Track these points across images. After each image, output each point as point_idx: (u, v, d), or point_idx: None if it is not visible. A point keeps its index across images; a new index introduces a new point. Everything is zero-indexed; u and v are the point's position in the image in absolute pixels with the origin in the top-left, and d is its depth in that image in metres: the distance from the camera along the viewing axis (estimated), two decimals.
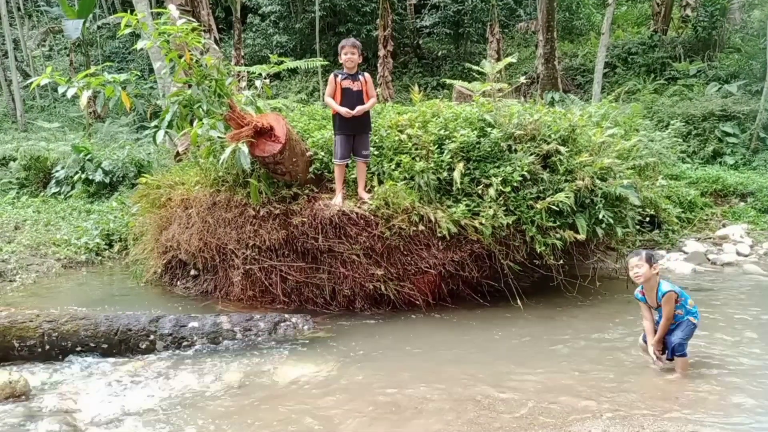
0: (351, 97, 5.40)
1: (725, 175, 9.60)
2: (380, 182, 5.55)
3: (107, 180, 10.85)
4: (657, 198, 6.82)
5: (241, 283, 5.71)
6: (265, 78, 6.90)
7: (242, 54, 15.77)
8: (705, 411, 3.56)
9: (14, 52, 17.38)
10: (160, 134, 5.55)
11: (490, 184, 5.41)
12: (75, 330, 4.67)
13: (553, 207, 5.36)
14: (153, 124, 5.72)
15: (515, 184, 5.40)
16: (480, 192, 5.46)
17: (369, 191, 5.52)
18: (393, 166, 5.62)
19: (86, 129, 14.94)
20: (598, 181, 5.52)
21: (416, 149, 5.66)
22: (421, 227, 5.27)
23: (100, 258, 8.13)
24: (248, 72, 10.32)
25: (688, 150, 10.61)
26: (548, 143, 5.65)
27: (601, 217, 5.48)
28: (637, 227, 6.23)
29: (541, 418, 3.48)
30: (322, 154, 5.77)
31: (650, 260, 4.08)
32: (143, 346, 4.72)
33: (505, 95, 6.98)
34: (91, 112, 15.89)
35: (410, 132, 5.75)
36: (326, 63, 13.00)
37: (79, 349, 4.64)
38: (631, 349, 4.50)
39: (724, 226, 8.57)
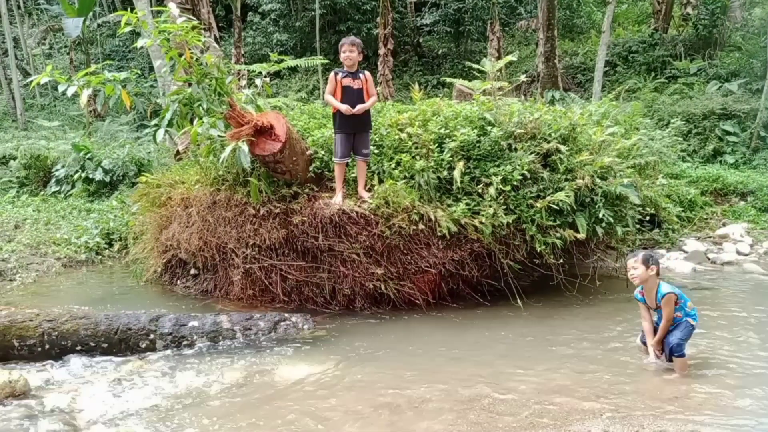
0: (351, 95, 5.39)
1: (725, 174, 9.59)
2: (380, 181, 5.54)
3: (107, 179, 10.85)
4: (657, 197, 6.82)
5: (241, 282, 5.71)
6: (265, 76, 6.89)
7: (242, 52, 15.76)
8: (705, 411, 3.56)
9: (14, 50, 17.36)
10: (160, 133, 5.55)
11: (490, 183, 5.41)
12: (75, 329, 4.67)
13: (553, 206, 5.36)
14: (153, 122, 5.72)
15: (515, 183, 5.40)
16: (480, 191, 5.46)
17: (369, 190, 5.52)
18: (393, 165, 5.61)
19: (86, 128, 14.94)
20: (598, 180, 5.52)
21: (416, 148, 5.66)
22: (421, 226, 5.27)
23: (100, 257, 8.12)
24: (248, 70, 10.32)
25: (689, 149, 10.60)
26: (548, 142, 5.64)
27: (601, 216, 5.47)
28: (637, 226, 6.23)
29: (541, 418, 3.48)
30: (323, 152, 5.77)
31: (647, 262, 4.08)
32: (143, 346, 4.72)
33: (506, 94, 6.98)
34: (91, 111, 15.87)
35: (410, 131, 5.75)
36: (326, 61, 12.98)
37: (79, 348, 4.64)
38: (632, 348, 4.50)
39: (724, 225, 8.56)
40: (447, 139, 5.63)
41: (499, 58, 12.64)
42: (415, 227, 5.26)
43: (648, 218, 6.82)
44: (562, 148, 5.57)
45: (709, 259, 7.53)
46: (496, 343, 4.82)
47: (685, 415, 3.48)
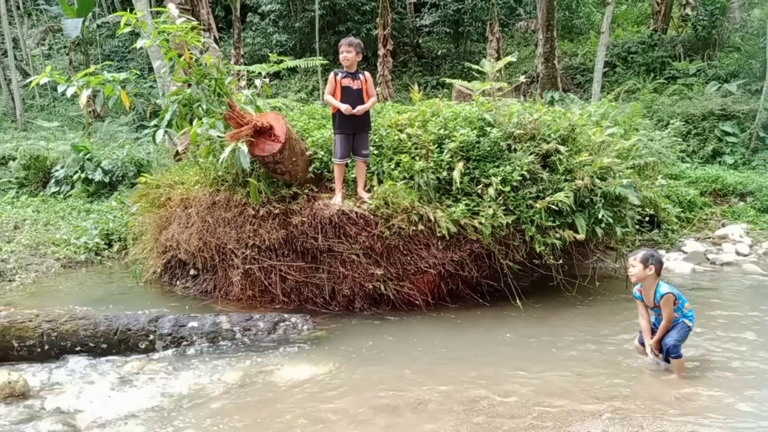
0: (351, 96, 5.39)
1: (725, 175, 9.60)
2: (380, 182, 5.54)
3: (107, 179, 10.84)
4: (656, 197, 6.82)
5: (241, 282, 5.71)
6: (264, 77, 6.89)
7: (242, 53, 15.75)
8: (704, 411, 3.56)
9: (14, 50, 17.35)
10: (160, 133, 5.55)
11: (490, 184, 5.41)
12: (74, 330, 4.67)
13: (553, 206, 5.36)
14: (152, 123, 5.72)
15: (515, 184, 5.40)
16: (479, 191, 5.46)
17: (368, 191, 5.52)
18: (392, 166, 5.61)
19: (86, 128, 14.93)
20: (597, 181, 5.52)
21: (416, 148, 5.66)
22: (420, 227, 5.27)
23: (99, 258, 8.12)
24: (248, 71, 10.31)
25: (688, 149, 10.60)
26: (548, 143, 5.64)
27: (600, 216, 5.48)
28: (637, 227, 6.23)
29: (541, 419, 3.48)
30: (322, 153, 5.77)
31: (645, 261, 4.08)
32: (143, 346, 4.72)
33: (505, 94, 6.98)
34: (90, 111, 15.87)
35: (410, 131, 5.75)
36: (326, 62, 12.98)
37: (78, 348, 4.64)
38: (631, 349, 4.50)
39: (723, 225, 8.57)
40: (446, 140, 5.63)
41: (498, 58, 12.64)
42: (414, 228, 5.26)
43: (647, 219, 6.82)
44: (562, 148, 5.57)
45: (708, 259, 7.54)
46: (495, 344, 4.82)
47: (685, 416, 3.48)
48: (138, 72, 6.76)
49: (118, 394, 3.95)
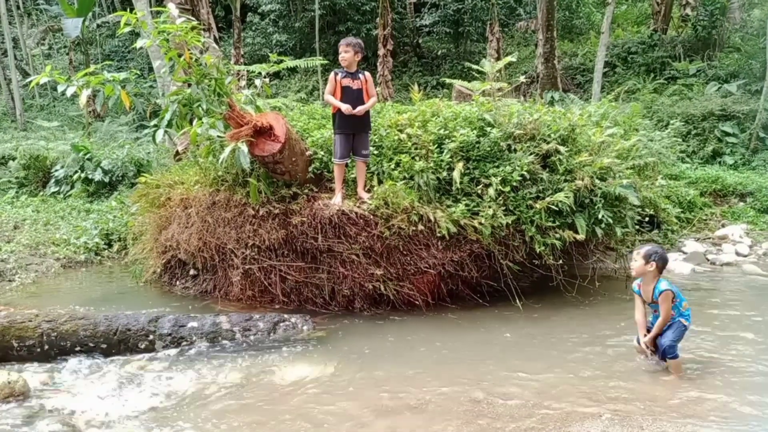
0: (351, 96, 5.39)
1: (724, 175, 9.60)
2: (380, 182, 5.54)
3: (107, 179, 10.84)
4: (656, 198, 6.82)
5: (241, 282, 5.71)
6: (264, 77, 6.89)
7: (242, 53, 15.75)
8: (704, 412, 3.56)
9: (13, 50, 17.34)
10: (160, 133, 5.55)
11: (490, 184, 5.41)
12: (74, 330, 4.67)
13: (553, 207, 5.36)
14: (152, 123, 5.72)
15: (515, 184, 5.40)
16: (479, 192, 5.46)
17: (368, 191, 5.52)
18: (392, 166, 5.61)
19: (86, 128, 14.93)
20: (597, 181, 5.52)
21: (416, 149, 5.66)
22: (420, 227, 5.27)
23: (99, 258, 8.12)
24: (248, 71, 10.31)
25: (688, 150, 10.61)
26: (548, 143, 5.64)
27: (600, 216, 5.48)
28: (637, 227, 6.23)
29: (541, 420, 3.48)
30: (322, 153, 5.76)
31: (648, 257, 4.09)
32: (142, 346, 4.72)
33: (505, 94, 6.97)
34: (90, 111, 15.87)
35: (410, 131, 5.75)
36: (326, 62, 12.99)
37: (78, 349, 4.64)
38: (631, 349, 4.50)
39: (723, 226, 8.57)
40: (446, 140, 5.63)
41: (498, 58, 12.64)
42: (414, 228, 5.26)
43: (647, 219, 6.82)
44: (562, 149, 5.57)
45: (708, 260, 7.54)
46: (495, 345, 4.82)
47: (685, 417, 3.48)
48: (138, 72, 6.76)
49: (117, 395, 3.95)
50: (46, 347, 4.60)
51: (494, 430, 3.38)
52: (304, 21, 17.98)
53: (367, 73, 5.55)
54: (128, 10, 5.53)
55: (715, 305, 5.74)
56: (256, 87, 6.49)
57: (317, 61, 11.93)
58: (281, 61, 7.11)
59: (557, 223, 5.42)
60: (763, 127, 10.63)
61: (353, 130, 5.43)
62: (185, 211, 6.09)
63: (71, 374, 4.32)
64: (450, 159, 5.52)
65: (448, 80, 8.65)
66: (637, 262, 4.13)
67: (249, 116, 5.10)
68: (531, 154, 5.57)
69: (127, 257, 7.56)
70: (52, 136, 14.26)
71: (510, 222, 5.34)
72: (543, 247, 5.36)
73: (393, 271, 5.41)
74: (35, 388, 4.03)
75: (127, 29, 5.35)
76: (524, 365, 4.32)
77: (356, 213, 5.33)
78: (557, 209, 5.37)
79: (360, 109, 5.32)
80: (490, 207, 5.32)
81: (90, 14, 17.42)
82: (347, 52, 5.39)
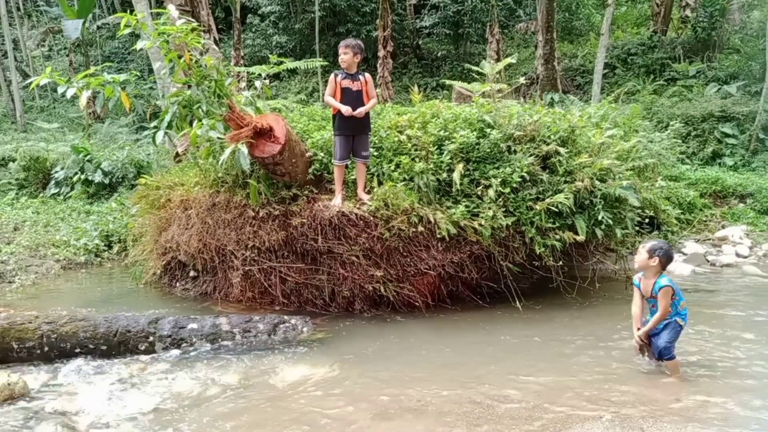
0: (351, 97, 5.39)
1: (724, 177, 9.61)
2: (380, 183, 5.54)
3: (107, 181, 10.85)
4: (656, 199, 6.82)
5: (241, 284, 5.71)
6: (264, 78, 6.89)
7: (242, 54, 15.77)
8: (705, 413, 3.56)
9: (14, 52, 17.37)
10: (160, 135, 5.54)
11: (490, 185, 5.41)
12: (74, 331, 4.66)
13: (553, 208, 5.36)
14: (152, 124, 5.71)
15: (515, 185, 5.40)
16: (479, 193, 5.46)
17: (368, 192, 5.52)
18: (392, 167, 5.61)
19: (86, 129, 14.94)
20: (597, 182, 5.52)
21: (416, 150, 5.66)
22: (420, 228, 5.27)
23: (99, 259, 8.12)
24: (248, 72, 10.31)
25: (688, 151, 10.62)
26: (548, 144, 5.65)
27: (600, 218, 5.48)
28: (637, 228, 6.23)
29: (541, 421, 3.48)
30: (322, 154, 5.77)
31: (652, 252, 4.07)
32: (142, 348, 4.72)
33: (505, 96, 6.99)
34: (90, 113, 15.88)
35: (410, 133, 5.75)
36: (326, 63, 13.00)
37: (78, 350, 4.63)
38: (631, 350, 4.49)
39: (723, 227, 8.57)
40: (446, 141, 5.64)
41: (498, 60, 12.65)
42: (414, 229, 5.26)
43: (647, 220, 6.82)
44: (562, 150, 5.57)
45: (708, 261, 7.54)
46: (495, 345, 4.81)
47: (685, 419, 3.47)
48: (138, 73, 6.77)
49: (117, 396, 3.94)
50: (46, 349, 4.59)
51: (494, 431, 3.37)
52: (304, 22, 17.99)
53: (367, 75, 5.56)
54: (128, 11, 5.53)
55: (716, 306, 5.73)
56: (256, 88, 6.49)
57: (317, 62, 11.94)
58: (281, 63, 7.11)
59: (557, 224, 5.42)
60: (762, 129, 10.64)
61: (353, 131, 5.43)
62: (185, 213, 6.09)
63: (71, 376, 4.32)
64: (450, 160, 5.53)
65: (448, 82, 8.67)
66: (641, 255, 4.13)
67: (249, 118, 5.10)
68: (531, 155, 5.57)
69: (127, 259, 7.56)
70: (52, 137, 14.28)
71: (510, 223, 5.34)
72: (543, 249, 5.36)
73: (393, 272, 5.41)
74: (35, 390, 4.03)
75: (127, 31, 5.35)
76: (524, 367, 4.31)
77: (356, 214, 5.33)
78: (557, 210, 5.37)
79: (360, 111, 5.33)
80: (490, 208, 5.32)
81: (90, 16, 17.42)
82: (347, 54, 5.40)
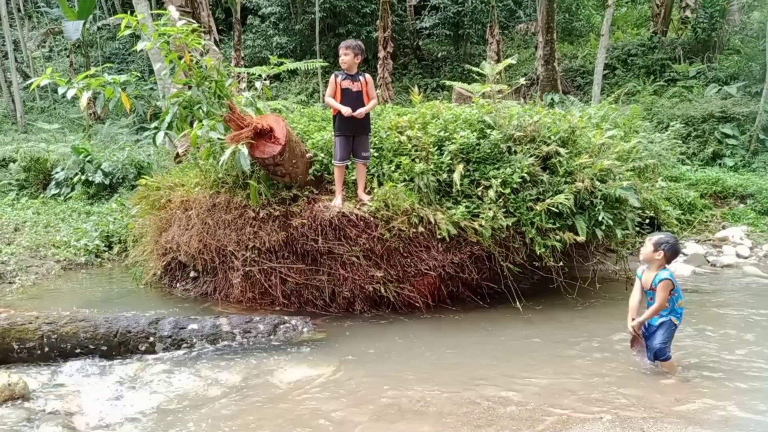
0: (351, 98, 5.40)
1: (725, 177, 9.61)
2: (380, 184, 5.55)
3: (107, 181, 10.85)
4: (657, 200, 6.81)
5: (241, 284, 5.71)
6: (264, 79, 6.89)
7: (242, 55, 15.77)
8: (705, 414, 3.56)
9: (14, 53, 17.38)
10: (160, 136, 5.54)
11: (490, 186, 5.41)
12: (74, 332, 4.66)
13: (553, 209, 5.36)
14: (153, 125, 5.71)
15: (515, 186, 5.41)
16: (480, 194, 5.46)
17: (369, 193, 5.52)
18: (393, 168, 5.61)
19: (86, 130, 14.94)
20: (597, 183, 5.52)
21: (416, 151, 5.66)
22: (420, 229, 5.27)
23: (99, 260, 8.12)
24: (248, 73, 10.33)
25: (688, 152, 10.62)
26: (548, 145, 5.65)
27: (600, 218, 5.48)
28: (637, 229, 6.23)
29: (541, 422, 3.47)
30: (322, 155, 5.77)
31: (658, 245, 4.06)
32: (143, 348, 4.72)
33: (505, 97, 6.98)
34: (91, 114, 15.87)
35: (410, 133, 5.75)
36: (326, 64, 13.00)
37: (78, 351, 4.63)
38: (631, 351, 4.49)
39: (723, 227, 8.57)
40: (447, 142, 5.64)
41: (498, 61, 12.64)
42: (414, 230, 5.26)
43: (647, 221, 6.82)
44: (562, 150, 5.58)
45: (708, 261, 7.54)
46: (495, 346, 4.81)
47: (685, 419, 3.47)
48: (138, 74, 6.77)
49: (117, 396, 3.94)
50: (47, 349, 4.59)
51: None
52: (305, 23, 18.00)
53: (367, 76, 5.56)
54: (129, 12, 5.53)
55: (716, 307, 5.73)
56: (256, 89, 6.50)
57: (317, 63, 11.95)
58: (281, 64, 7.12)
59: (557, 224, 5.42)
60: (763, 129, 10.64)
61: (353, 132, 5.43)
62: (185, 213, 6.09)
63: (71, 376, 4.32)
64: (450, 161, 5.53)
65: (448, 82, 8.67)
66: (647, 247, 4.11)
67: (249, 118, 5.10)
68: (531, 156, 5.57)
69: (127, 259, 7.56)
70: (52, 138, 14.28)
71: (510, 224, 5.34)
72: (543, 249, 5.36)
73: (393, 273, 5.41)
74: (35, 390, 4.03)
75: (128, 32, 5.35)
76: (525, 367, 4.31)
77: (356, 215, 5.33)
78: (557, 211, 5.37)
79: (360, 112, 5.33)
80: (490, 209, 5.32)
81: (90, 17, 17.43)
82: (347, 55, 5.41)
